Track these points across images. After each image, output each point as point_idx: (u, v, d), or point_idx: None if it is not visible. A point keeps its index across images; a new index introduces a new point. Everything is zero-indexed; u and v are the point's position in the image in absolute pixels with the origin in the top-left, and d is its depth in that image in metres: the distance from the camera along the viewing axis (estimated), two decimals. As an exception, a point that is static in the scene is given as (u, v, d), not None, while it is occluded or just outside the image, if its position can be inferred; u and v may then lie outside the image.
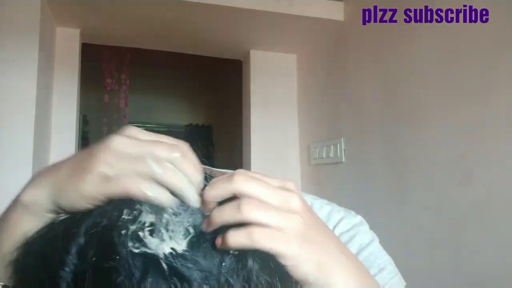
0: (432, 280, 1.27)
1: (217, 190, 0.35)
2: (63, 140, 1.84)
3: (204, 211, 0.36)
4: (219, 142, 4.20)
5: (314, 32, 1.95)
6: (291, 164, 2.19)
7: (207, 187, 0.36)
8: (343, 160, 1.78)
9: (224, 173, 0.61)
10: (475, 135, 1.15)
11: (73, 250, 0.32)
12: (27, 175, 1.49)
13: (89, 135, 3.90)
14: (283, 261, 0.34)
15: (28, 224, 0.37)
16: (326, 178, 1.95)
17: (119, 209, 0.33)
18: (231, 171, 0.65)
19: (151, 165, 0.33)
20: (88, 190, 0.33)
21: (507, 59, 1.07)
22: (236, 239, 0.33)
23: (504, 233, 1.06)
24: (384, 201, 1.51)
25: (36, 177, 0.38)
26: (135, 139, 0.35)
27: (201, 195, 0.36)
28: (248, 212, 0.33)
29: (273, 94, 2.21)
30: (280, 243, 0.33)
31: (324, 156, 1.92)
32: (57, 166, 0.38)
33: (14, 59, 1.54)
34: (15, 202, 0.38)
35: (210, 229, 0.35)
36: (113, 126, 3.61)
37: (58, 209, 0.36)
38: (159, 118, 4.34)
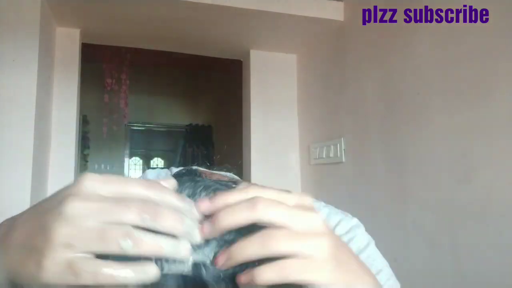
0: (432, 280, 1.27)
1: (237, 218, 0.32)
2: (63, 140, 1.84)
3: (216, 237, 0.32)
4: (219, 142, 4.20)
5: (314, 32, 1.95)
6: (291, 164, 2.19)
7: (221, 212, 0.32)
8: (343, 160, 1.78)
9: (223, 175, 0.62)
10: (475, 135, 1.15)
11: None
12: (27, 175, 1.49)
13: (89, 135, 3.91)
14: None
15: None
16: (326, 178, 1.95)
17: None
18: (230, 173, 0.65)
19: (119, 242, 0.28)
20: (49, 279, 0.28)
21: (507, 59, 1.07)
22: (268, 275, 0.30)
23: (504, 233, 1.06)
24: (384, 201, 1.52)
25: None
26: (94, 201, 0.29)
27: (212, 220, 0.32)
28: (277, 246, 0.31)
29: (273, 94, 2.21)
30: (312, 273, 0.32)
31: (324, 156, 1.92)
32: (9, 233, 0.31)
33: (14, 59, 1.54)
34: None
35: (229, 265, 0.31)
36: (113, 126, 3.61)
37: None
38: (159, 118, 4.35)
